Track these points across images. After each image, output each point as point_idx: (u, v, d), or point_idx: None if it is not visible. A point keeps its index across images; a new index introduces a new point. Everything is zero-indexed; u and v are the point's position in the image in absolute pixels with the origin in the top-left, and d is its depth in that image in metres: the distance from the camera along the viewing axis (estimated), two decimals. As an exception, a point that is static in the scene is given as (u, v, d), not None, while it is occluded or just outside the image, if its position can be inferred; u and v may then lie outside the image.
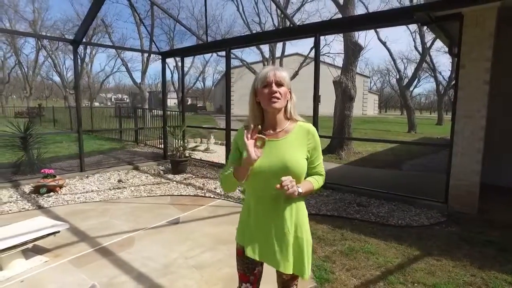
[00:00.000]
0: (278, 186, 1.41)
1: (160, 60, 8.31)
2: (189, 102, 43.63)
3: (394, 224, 4.24)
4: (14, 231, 2.98)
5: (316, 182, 1.63)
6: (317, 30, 5.42)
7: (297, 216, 1.58)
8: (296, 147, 1.55)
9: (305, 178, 1.61)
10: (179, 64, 31.59)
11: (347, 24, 5.37)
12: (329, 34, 5.61)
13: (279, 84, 1.52)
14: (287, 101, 1.57)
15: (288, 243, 1.54)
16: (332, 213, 4.54)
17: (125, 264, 3.06)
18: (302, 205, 1.63)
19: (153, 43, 18.87)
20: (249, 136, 1.42)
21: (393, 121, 30.82)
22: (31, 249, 3.11)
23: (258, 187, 1.56)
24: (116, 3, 19.05)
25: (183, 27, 7.12)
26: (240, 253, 1.68)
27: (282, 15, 21.84)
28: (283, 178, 1.41)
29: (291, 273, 1.57)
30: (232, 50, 6.75)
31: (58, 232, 3.18)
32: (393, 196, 5.19)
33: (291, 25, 5.49)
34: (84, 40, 6.65)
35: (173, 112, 9.95)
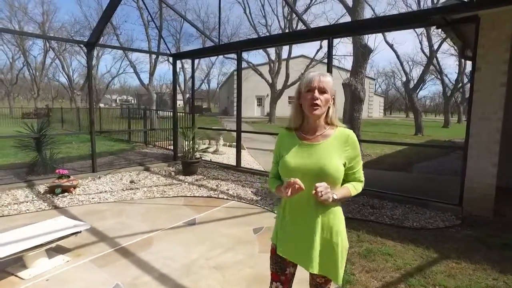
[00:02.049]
0: (313, 192, 1.43)
1: (167, 61, 8.39)
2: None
3: (409, 226, 4.24)
4: (38, 230, 3.03)
5: (354, 188, 1.62)
6: (330, 32, 5.45)
7: (330, 219, 1.58)
8: (333, 152, 1.56)
9: (343, 183, 1.62)
10: (185, 65, 31.76)
11: (361, 27, 5.38)
12: (343, 37, 5.65)
13: (322, 91, 1.54)
14: (329, 107, 1.59)
15: (317, 245, 1.55)
16: (346, 215, 4.52)
17: (146, 264, 3.09)
18: (337, 210, 1.62)
19: (163, 44, 19.04)
20: (291, 181, 1.46)
21: (399, 124, 30.73)
22: (53, 249, 3.15)
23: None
24: (124, 5, 19.13)
25: (197, 29, 7.17)
26: (273, 252, 1.72)
27: (289, 18, 21.91)
28: (318, 184, 1.43)
29: (316, 273, 1.57)
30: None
31: (80, 232, 3.22)
32: (406, 199, 5.18)
33: (304, 27, 5.50)
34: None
35: (180, 114, 9.98)
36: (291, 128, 1.69)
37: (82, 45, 18.05)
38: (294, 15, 21.84)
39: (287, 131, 1.70)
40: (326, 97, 1.55)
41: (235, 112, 36.87)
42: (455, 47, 29.43)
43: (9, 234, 2.95)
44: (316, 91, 1.53)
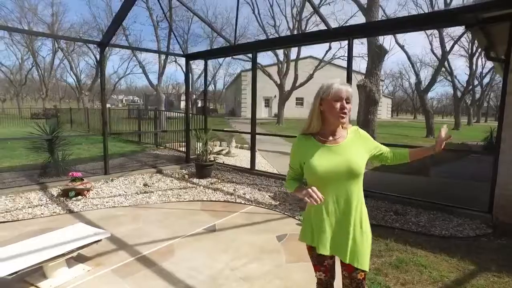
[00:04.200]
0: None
1: (174, 62, 8.26)
2: (200, 105, 43.64)
3: (438, 234, 4.05)
4: (58, 238, 2.89)
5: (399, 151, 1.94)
6: (350, 33, 5.27)
7: (361, 211, 1.75)
8: (356, 148, 1.74)
9: (386, 161, 1.92)
10: (193, 66, 31.70)
11: (384, 27, 5.18)
12: (364, 37, 5.46)
13: (349, 101, 1.69)
14: None
15: (352, 236, 1.70)
16: (370, 222, 4.36)
17: (170, 275, 2.94)
18: (363, 201, 1.79)
19: (173, 45, 18.97)
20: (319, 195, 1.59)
21: (408, 125, 30.40)
22: (73, 257, 3.01)
23: (328, 188, 1.70)
24: (134, 6, 19.10)
25: (214, 31, 7.02)
26: (309, 249, 1.87)
27: (298, 18, 21.75)
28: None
29: (350, 262, 1.71)
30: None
31: (100, 240, 3.09)
32: (430, 205, 4.99)
33: (322, 28, 5.32)
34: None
35: (190, 115, 9.82)
36: (307, 134, 1.79)
37: (95, 45, 17.97)
38: (303, 16, 21.70)
39: (305, 136, 1.80)
40: (350, 106, 1.71)
41: (242, 113, 36.61)
42: (465, 49, 29.09)
43: (29, 243, 2.82)
44: (344, 101, 1.67)
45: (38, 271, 2.77)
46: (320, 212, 1.74)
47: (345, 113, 1.67)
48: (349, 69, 5.46)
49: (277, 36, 22.62)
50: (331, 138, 1.74)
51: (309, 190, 1.59)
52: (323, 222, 1.74)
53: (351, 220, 1.70)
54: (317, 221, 1.76)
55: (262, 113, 34.67)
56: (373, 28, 5.35)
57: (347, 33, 5.34)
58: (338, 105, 1.66)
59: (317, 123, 1.74)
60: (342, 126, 1.76)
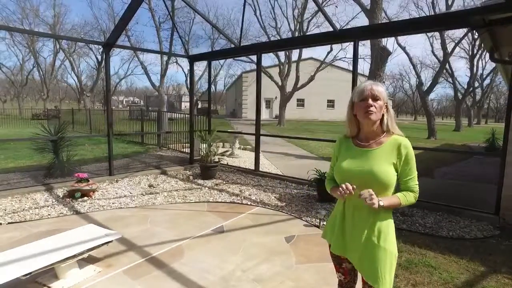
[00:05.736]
0: (359, 196, 1.55)
1: (175, 63, 8.25)
2: (200, 106, 43.63)
3: (446, 236, 4.06)
4: (69, 239, 2.90)
5: (404, 198, 1.65)
6: (357, 35, 5.28)
7: (380, 224, 1.63)
8: (385, 158, 1.63)
9: (396, 192, 1.68)
10: (194, 67, 31.71)
11: (391, 29, 5.18)
12: (370, 39, 5.46)
13: (375, 99, 1.62)
14: (383, 114, 1.66)
15: (366, 246, 1.63)
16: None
17: (181, 276, 2.94)
18: (387, 215, 1.66)
19: (175, 46, 18.97)
20: (350, 187, 1.56)
21: (409, 127, 30.40)
22: (83, 258, 3.01)
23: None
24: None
25: (219, 31, 7.04)
26: (330, 248, 1.85)
27: (300, 20, 21.78)
28: (362, 192, 1.53)
29: (359, 270, 1.68)
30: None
31: (111, 241, 3.08)
32: (436, 206, 4.99)
33: (332, 29, 5.33)
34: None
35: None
36: (348, 136, 1.79)
37: (97, 46, 17.98)
38: (304, 18, 21.74)
39: (345, 138, 1.82)
40: (380, 104, 1.63)
41: (243, 114, 36.39)
42: (466, 50, 29.17)
43: (42, 243, 2.83)
44: (370, 99, 1.62)
45: (50, 272, 2.77)
46: (342, 213, 1.75)
47: (370, 111, 1.60)
48: (354, 71, 5.46)
49: (279, 37, 22.68)
50: (365, 142, 1.71)
51: (342, 185, 1.57)
52: (341, 223, 1.75)
53: (369, 229, 1.63)
54: (337, 221, 1.78)
55: (263, 114, 34.64)
56: (380, 30, 5.36)
57: (353, 34, 5.35)
58: (364, 104, 1.63)
59: (351, 128, 1.75)
60: (383, 130, 1.67)
